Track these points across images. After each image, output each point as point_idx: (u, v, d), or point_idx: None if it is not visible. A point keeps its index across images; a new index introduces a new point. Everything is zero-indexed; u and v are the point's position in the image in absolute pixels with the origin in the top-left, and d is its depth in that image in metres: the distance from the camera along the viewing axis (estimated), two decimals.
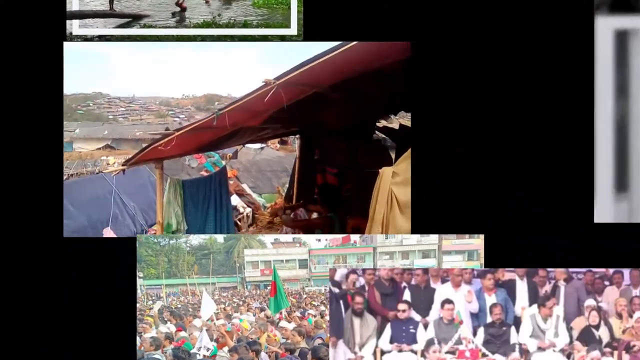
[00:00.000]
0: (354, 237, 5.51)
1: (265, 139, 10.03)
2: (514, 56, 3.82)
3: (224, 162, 16.86)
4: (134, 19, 3.96)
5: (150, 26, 3.95)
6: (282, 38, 3.86)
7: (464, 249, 5.96)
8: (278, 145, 32.47)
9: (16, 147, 3.87)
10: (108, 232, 10.70)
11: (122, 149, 38.05)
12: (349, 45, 3.38)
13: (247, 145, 11.69)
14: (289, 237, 5.91)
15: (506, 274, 3.67)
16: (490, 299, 3.66)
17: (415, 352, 3.62)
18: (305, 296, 7.07)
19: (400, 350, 3.62)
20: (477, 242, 3.97)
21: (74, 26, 3.84)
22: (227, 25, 3.93)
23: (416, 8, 3.80)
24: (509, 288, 3.67)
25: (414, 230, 3.59)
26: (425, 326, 3.64)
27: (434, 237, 6.00)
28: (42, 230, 3.91)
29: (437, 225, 3.90)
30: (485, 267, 3.83)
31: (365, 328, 3.64)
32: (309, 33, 3.84)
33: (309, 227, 5.88)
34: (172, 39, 3.91)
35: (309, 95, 4.65)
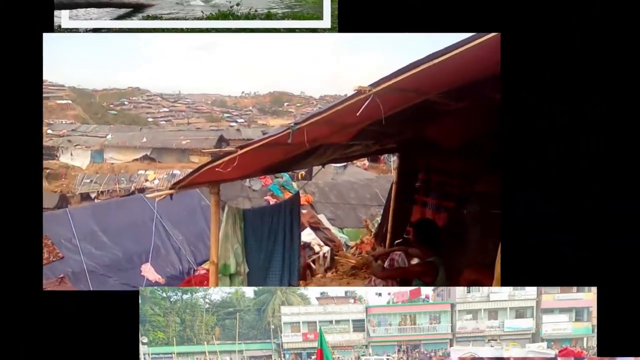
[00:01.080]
0: (426, 291, 4.48)
1: (352, 158, 8.76)
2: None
3: (294, 185, 14.23)
4: (135, 9, 3.51)
5: (155, 17, 3.48)
6: (313, 31, 3.64)
7: (571, 306, 4.83)
8: (367, 164, 29.22)
9: None
10: (147, 269, 9.58)
11: (164, 161, 35.22)
12: (472, 44, 2.68)
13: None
14: (340, 291, 4.85)
15: None
16: None
17: None
18: None
19: None
20: (587, 296, 3.36)
21: (63, 18, 3.36)
22: (247, 17, 3.52)
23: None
24: None
25: (504, 282, 2.99)
26: None
27: (531, 291, 4.87)
28: (18, 283, 3.20)
29: (534, 275, 3.25)
30: (598, 329, 3.20)
31: None
32: (344, 26, 3.47)
33: (405, 278, 4.74)
34: (179, 31, 3.40)
35: (415, 104, 3.81)
